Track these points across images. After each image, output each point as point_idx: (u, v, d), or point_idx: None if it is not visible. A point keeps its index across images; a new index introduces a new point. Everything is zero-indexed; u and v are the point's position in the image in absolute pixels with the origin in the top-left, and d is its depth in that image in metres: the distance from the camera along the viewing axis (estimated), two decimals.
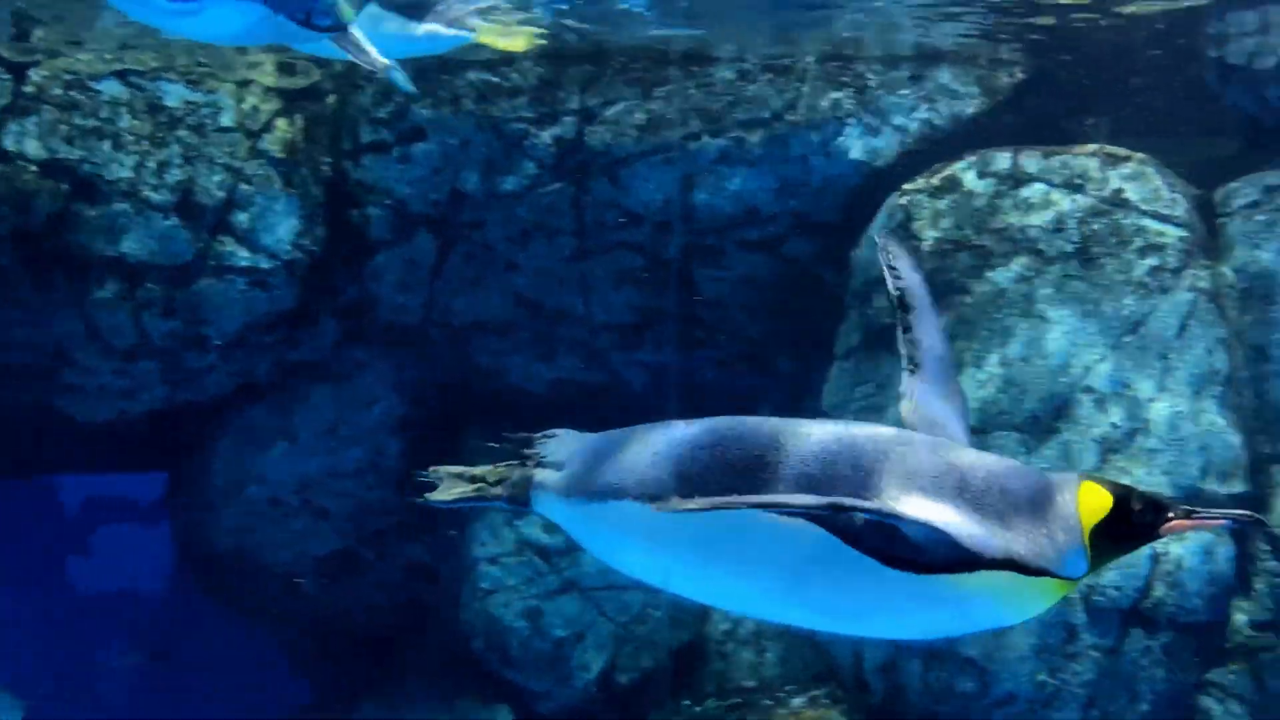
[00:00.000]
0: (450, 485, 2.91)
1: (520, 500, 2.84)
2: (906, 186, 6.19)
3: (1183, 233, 5.92)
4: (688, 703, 6.31)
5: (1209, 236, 6.03)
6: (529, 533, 6.62)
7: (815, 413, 6.36)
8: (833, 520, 2.46)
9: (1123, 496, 2.50)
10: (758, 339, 6.68)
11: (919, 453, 2.57)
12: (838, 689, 6.13)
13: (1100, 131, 6.17)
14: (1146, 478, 5.69)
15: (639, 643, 6.51)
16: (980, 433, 5.82)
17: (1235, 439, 5.80)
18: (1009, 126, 6.26)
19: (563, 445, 2.88)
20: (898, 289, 2.92)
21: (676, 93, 6.38)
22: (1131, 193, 5.96)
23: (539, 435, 2.89)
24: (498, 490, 2.87)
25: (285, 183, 6.25)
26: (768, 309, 6.60)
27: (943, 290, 6.02)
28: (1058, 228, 5.95)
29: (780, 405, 6.70)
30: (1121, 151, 6.04)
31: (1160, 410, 5.78)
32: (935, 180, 6.15)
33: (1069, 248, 5.94)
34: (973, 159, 6.14)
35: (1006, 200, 6.03)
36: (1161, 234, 5.92)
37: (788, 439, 2.64)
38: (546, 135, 6.43)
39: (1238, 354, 5.90)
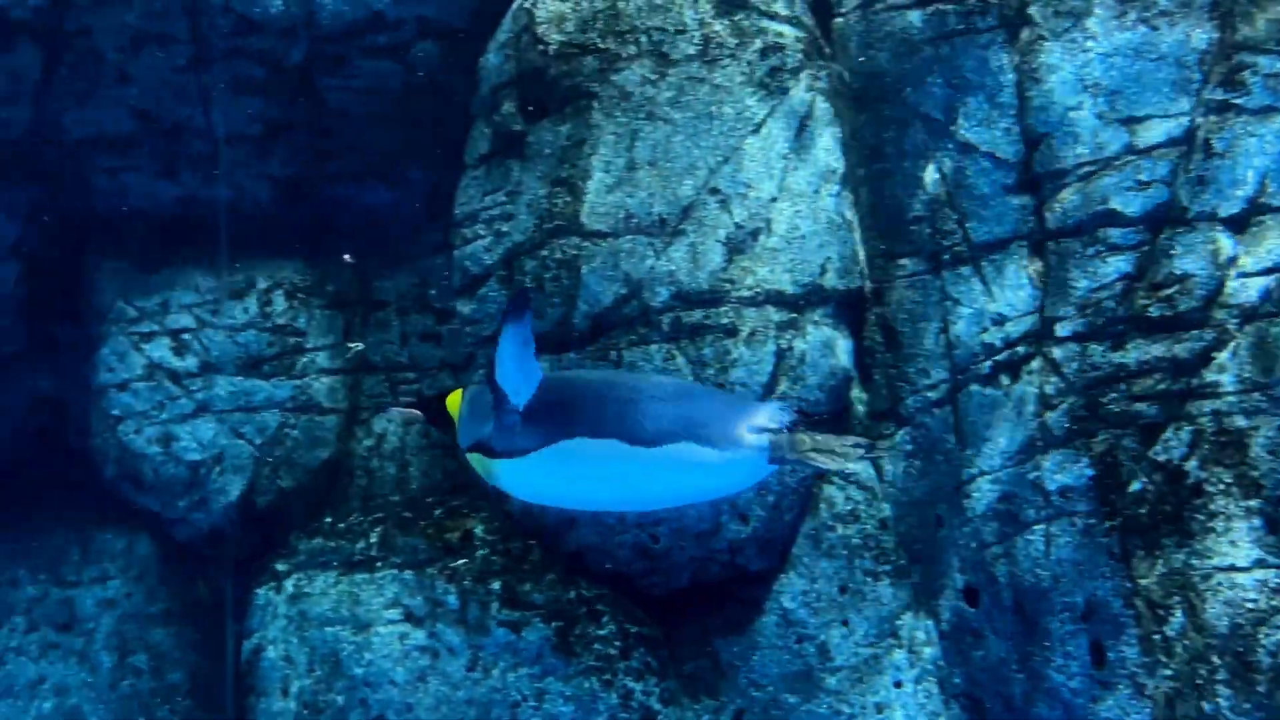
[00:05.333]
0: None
1: None
2: None
3: (800, 32, 6.67)
4: (330, 520, 6.99)
5: (825, 37, 6.81)
6: (158, 355, 7.14)
7: (448, 222, 7.02)
8: None
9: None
10: (388, 150, 7.22)
11: None
12: (479, 498, 6.88)
13: None
14: (770, 276, 6.50)
15: (277, 463, 7.13)
16: (610, 236, 6.54)
17: (853, 236, 6.65)
18: None
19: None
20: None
21: None
22: None
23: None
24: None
25: None
26: (397, 119, 7.14)
27: (568, 95, 6.67)
28: (680, 29, 6.63)
29: (414, 216, 7.33)
30: None
31: (782, 210, 6.55)
32: None
33: (691, 49, 6.62)
34: None
35: (630, 2, 6.65)
36: (780, 35, 6.64)
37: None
38: None
39: (854, 153, 6.74)
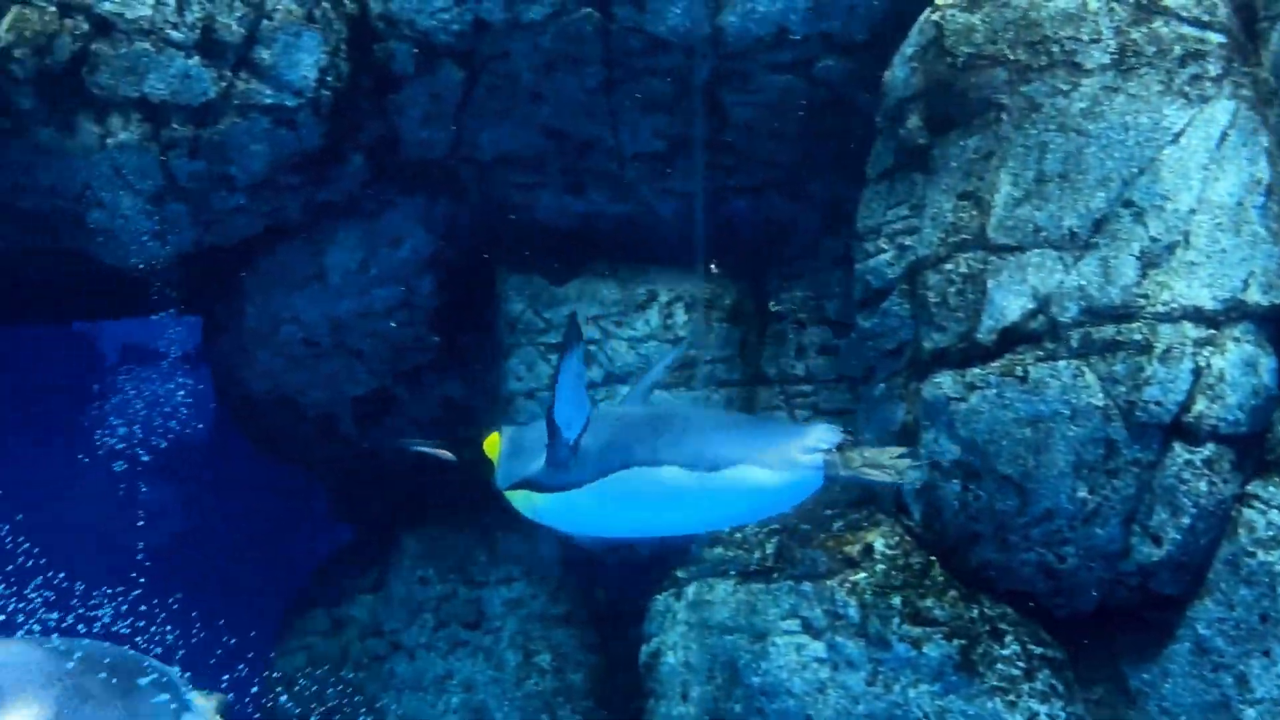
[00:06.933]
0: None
1: None
2: (939, 1, 6.79)
3: (1223, 39, 6.48)
4: (728, 530, 7.16)
5: (1249, 42, 6.61)
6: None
7: (849, 237, 7.09)
8: None
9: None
10: (789, 164, 7.33)
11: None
12: (876, 513, 6.92)
13: None
14: (1187, 290, 6.34)
15: None
16: (1018, 250, 6.50)
17: (1278, 249, 6.43)
18: None
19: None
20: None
21: None
22: None
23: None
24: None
25: (307, 17, 6.93)
26: (798, 133, 7.25)
27: (977, 107, 6.66)
28: (1095, 38, 6.54)
29: (813, 231, 7.43)
30: None
31: (1201, 222, 6.37)
32: None
33: (1106, 58, 6.51)
34: None
35: (1042, 12, 6.59)
36: (1201, 41, 6.47)
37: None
38: None
39: None
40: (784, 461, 4.67)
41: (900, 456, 4.73)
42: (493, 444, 4.95)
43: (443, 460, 5.01)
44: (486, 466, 4.91)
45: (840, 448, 4.69)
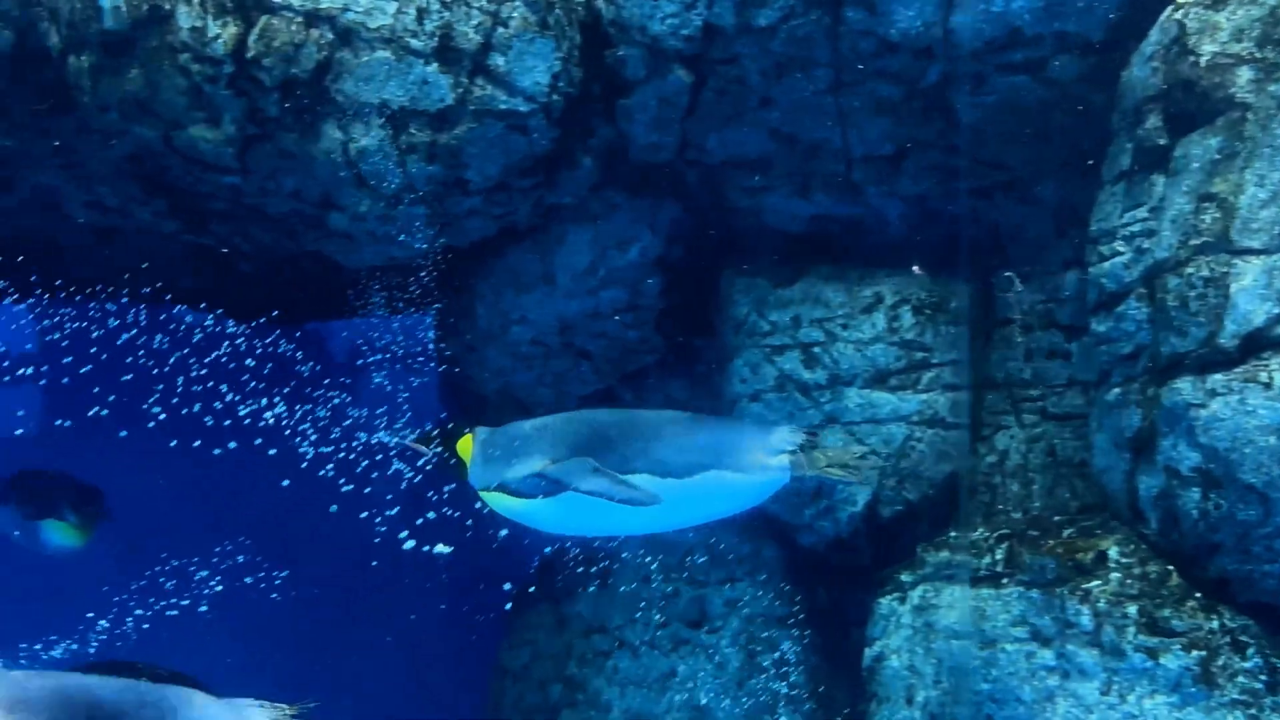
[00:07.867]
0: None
1: None
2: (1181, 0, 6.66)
3: None
4: (954, 534, 7.09)
5: None
6: (789, 368, 7.46)
7: (1081, 239, 6.98)
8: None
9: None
10: (1018, 166, 7.24)
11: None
12: (1110, 519, 6.80)
13: None
14: None
15: (902, 475, 7.28)
16: (1263, 253, 6.31)
17: None
18: None
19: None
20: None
21: None
22: None
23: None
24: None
25: (541, 25, 7.07)
26: (1028, 134, 7.14)
27: (1220, 107, 6.51)
28: None
29: (1042, 233, 7.33)
30: None
31: None
32: None
33: None
34: None
35: None
36: None
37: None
38: None
39: None
40: (751, 465, 4.92)
41: (863, 456, 5.17)
42: (466, 445, 5.20)
43: (420, 454, 5.25)
44: (459, 465, 5.16)
45: (802, 448, 4.96)
